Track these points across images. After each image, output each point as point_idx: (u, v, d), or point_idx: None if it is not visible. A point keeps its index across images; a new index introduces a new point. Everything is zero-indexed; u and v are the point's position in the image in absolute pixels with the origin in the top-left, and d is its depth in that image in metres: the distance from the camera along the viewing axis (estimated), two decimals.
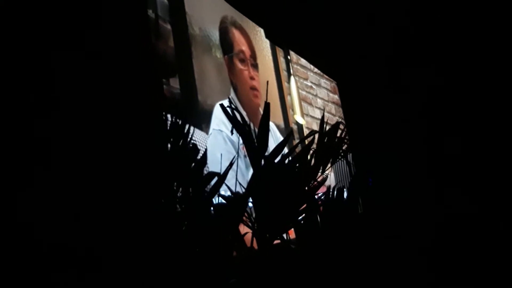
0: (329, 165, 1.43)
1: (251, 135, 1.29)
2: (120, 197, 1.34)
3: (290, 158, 1.33)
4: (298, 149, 1.53)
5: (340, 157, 1.45)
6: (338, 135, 1.48)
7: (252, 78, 2.55)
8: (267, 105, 1.27)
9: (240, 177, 1.45)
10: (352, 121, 3.11)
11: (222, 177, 1.35)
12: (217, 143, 2.14)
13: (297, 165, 1.34)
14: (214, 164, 1.75)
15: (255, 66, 2.64)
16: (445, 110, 3.26)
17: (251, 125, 1.37)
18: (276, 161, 1.31)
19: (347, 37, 3.40)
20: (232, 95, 2.40)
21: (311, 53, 3.17)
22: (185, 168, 1.37)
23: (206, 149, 1.39)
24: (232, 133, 1.30)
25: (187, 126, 1.42)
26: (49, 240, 1.24)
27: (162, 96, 1.88)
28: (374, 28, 3.40)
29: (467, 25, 3.26)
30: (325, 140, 1.42)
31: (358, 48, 3.44)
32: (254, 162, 1.31)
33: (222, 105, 1.30)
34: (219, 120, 2.19)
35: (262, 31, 2.83)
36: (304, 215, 1.36)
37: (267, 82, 1.58)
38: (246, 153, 1.51)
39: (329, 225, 1.42)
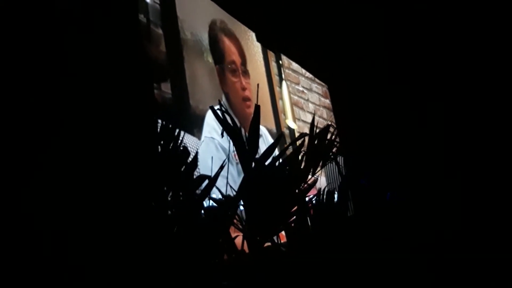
0: (319, 167, 1.44)
1: (242, 138, 1.29)
2: (110, 200, 1.33)
3: (280, 161, 1.33)
4: (289, 152, 1.53)
5: (330, 159, 1.45)
6: (328, 137, 1.49)
7: (244, 88, 2.55)
8: (257, 108, 1.27)
9: (231, 183, 1.45)
10: (343, 125, 3.12)
11: (212, 179, 1.35)
12: (209, 150, 2.13)
13: (288, 167, 1.34)
14: (206, 171, 1.74)
15: (246, 73, 2.65)
16: (435, 113, 3.29)
17: (242, 130, 1.37)
18: (266, 163, 1.31)
19: (339, 41, 3.43)
20: (224, 101, 2.41)
21: (303, 57, 3.19)
22: (175, 171, 1.37)
23: (197, 152, 1.39)
24: (222, 136, 1.30)
25: (177, 129, 1.43)
26: (35, 243, 1.23)
27: (153, 100, 1.88)
28: (365, 33, 3.43)
29: (457, 27, 3.29)
30: (315, 143, 1.42)
31: (350, 52, 3.47)
32: (245, 165, 1.31)
33: (212, 108, 1.30)
34: (211, 127, 2.18)
35: (253, 35, 2.84)
36: (294, 217, 1.36)
37: (258, 85, 1.58)
38: (238, 160, 1.50)
39: (319, 227, 1.43)
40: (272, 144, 1.32)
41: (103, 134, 1.49)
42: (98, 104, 1.55)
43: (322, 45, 3.33)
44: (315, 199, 1.44)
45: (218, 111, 1.29)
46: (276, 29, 2.96)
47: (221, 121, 1.29)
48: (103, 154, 1.44)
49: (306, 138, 1.50)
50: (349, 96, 3.37)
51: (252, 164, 1.30)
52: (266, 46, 2.82)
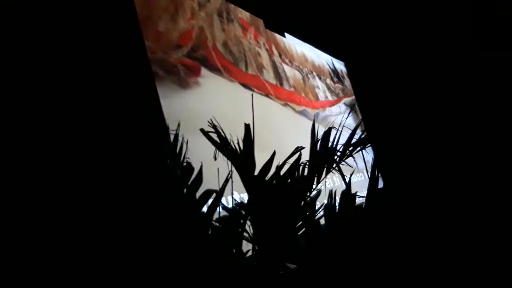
0: (323, 175, 1.36)
1: (239, 157, 1.24)
2: (121, 214, 1.34)
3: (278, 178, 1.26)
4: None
5: (333, 167, 1.37)
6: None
7: None
8: (247, 127, 1.21)
9: None
10: (364, 101, 3.00)
11: (219, 194, 1.31)
12: None
13: (289, 180, 1.27)
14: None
15: None
16: (443, 111, 3.11)
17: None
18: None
19: (355, 18, 3.26)
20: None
21: (317, 36, 3.05)
22: (179, 191, 1.34)
23: (201, 167, 1.34)
24: (215, 159, 1.25)
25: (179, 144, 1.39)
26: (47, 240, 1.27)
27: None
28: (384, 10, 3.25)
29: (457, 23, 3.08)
30: (317, 149, 1.35)
31: (367, 29, 3.30)
32: (248, 185, 1.25)
33: (202, 130, 1.25)
34: None
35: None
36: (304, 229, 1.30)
37: (252, 95, 1.51)
38: None
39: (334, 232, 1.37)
40: (268, 161, 1.25)
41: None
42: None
43: (336, 21, 3.17)
44: (326, 205, 1.38)
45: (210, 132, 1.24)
46: (284, 12, 2.84)
47: (215, 143, 1.24)
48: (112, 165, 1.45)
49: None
50: (368, 71, 3.21)
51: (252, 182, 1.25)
52: (274, 30, 2.70)
